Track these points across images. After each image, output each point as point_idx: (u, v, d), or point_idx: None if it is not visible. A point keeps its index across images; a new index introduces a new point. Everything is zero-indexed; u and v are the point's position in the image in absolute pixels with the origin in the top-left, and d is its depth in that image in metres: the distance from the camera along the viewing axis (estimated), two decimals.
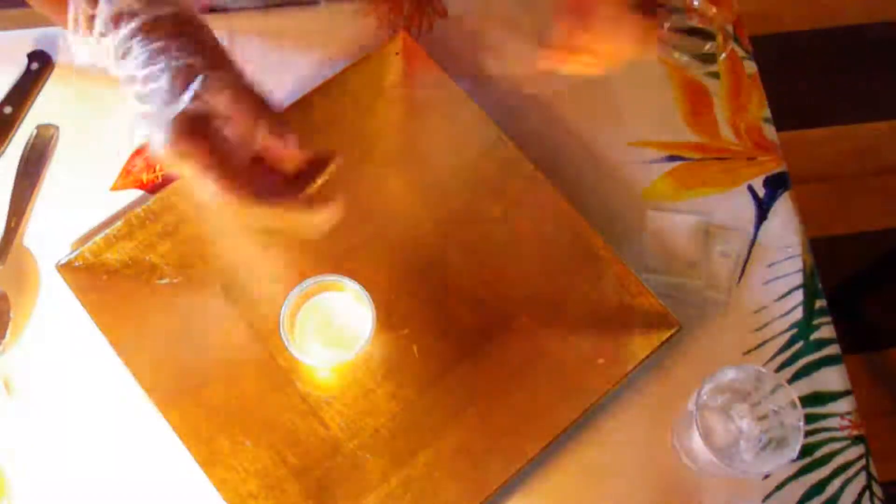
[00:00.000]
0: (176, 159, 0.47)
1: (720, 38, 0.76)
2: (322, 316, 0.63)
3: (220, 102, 0.49)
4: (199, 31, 0.51)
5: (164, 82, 0.48)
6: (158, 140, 0.47)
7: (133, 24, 0.49)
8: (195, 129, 0.47)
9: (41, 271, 0.67)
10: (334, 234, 0.60)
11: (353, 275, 0.61)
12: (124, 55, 0.50)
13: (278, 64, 0.74)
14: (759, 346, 0.66)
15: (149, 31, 0.49)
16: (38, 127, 0.71)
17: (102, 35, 0.50)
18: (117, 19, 0.49)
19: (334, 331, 0.62)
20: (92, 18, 0.50)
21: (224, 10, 0.75)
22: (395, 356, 0.63)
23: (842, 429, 0.65)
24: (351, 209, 0.65)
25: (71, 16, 0.50)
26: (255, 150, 0.51)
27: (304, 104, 0.69)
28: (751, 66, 0.76)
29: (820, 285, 0.69)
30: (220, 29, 0.73)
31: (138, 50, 0.49)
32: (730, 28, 0.77)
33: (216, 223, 0.65)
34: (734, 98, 0.75)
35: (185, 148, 0.47)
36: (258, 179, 0.49)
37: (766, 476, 0.63)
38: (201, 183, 0.48)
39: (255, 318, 0.64)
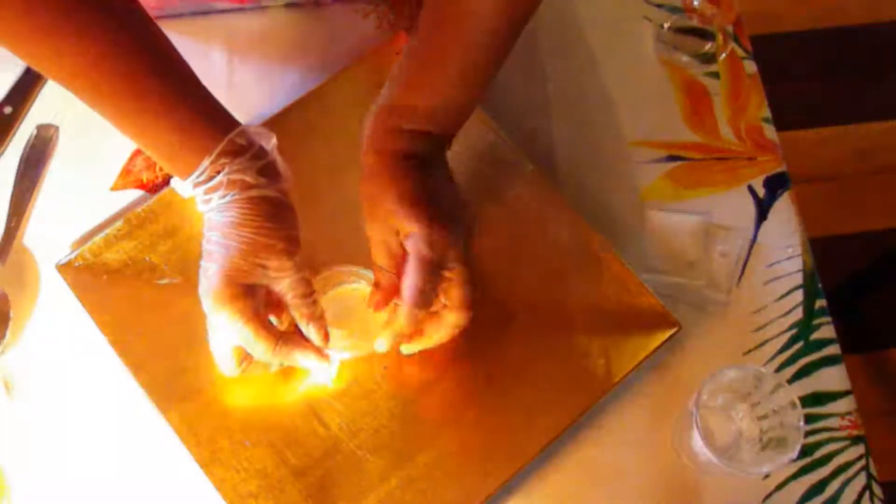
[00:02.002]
0: (215, 308, 0.54)
1: (720, 38, 0.76)
2: (340, 308, 0.62)
3: (281, 286, 0.56)
4: (290, 214, 0.56)
5: (232, 252, 0.54)
6: (205, 286, 0.54)
7: (240, 196, 0.54)
8: (238, 292, 0.54)
9: (41, 271, 0.67)
10: (335, 234, 0.60)
11: None
12: (218, 210, 0.54)
13: (278, 64, 0.74)
14: (759, 346, 0.66)
15: (248, 204, 0.54)
16: (38, 127, 0.71)
17: (208, 192, 0.54)
18: (231, 185, 0.53)
19: (352, 323, 0.62)
20: (209, 180, 0.53)
21: (223, 10, 0.75)
22: (395, 356, 0.63)
23: (842, 429, 0.65)
24: (351, 209, 0.65)
25: (193, 177, 0.53)
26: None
27: (304, 104, 0.69)
28: (751, 66, 0.76)
29: (820, 285, 0.69)
30: (221, 30, 0.74)
31: (228, 213, 0.54)
32: (730, 28, 0.77)
33: None
34: (734, 98, 0.75)
35: (226, 301, 0.54)
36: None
37: (766, 476, 0.63)
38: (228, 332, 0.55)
39: None
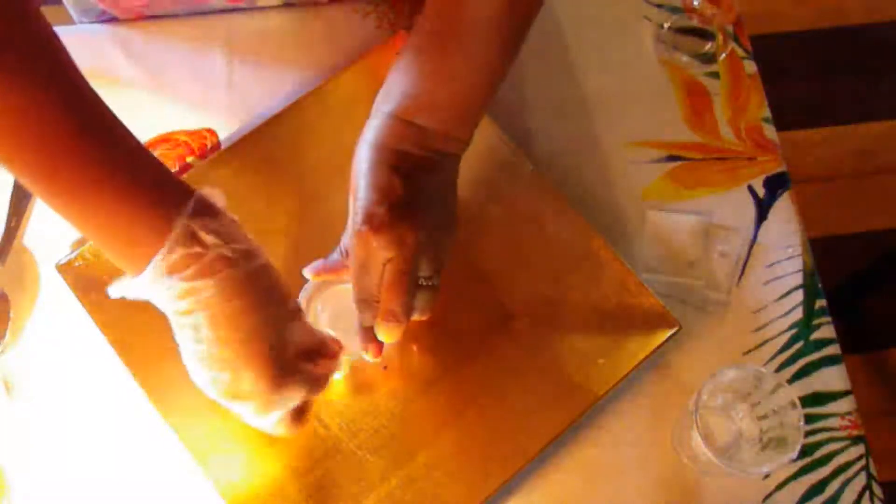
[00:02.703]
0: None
1: (720, 38, 0.76)
2: (337, 307, 0.62)
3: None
4: (277, 283, 0.50)
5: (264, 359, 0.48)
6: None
7: (224, 272, 0.46)
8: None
9: (41, 271, 0.67)
10: (334, 234, 0.60)
11: None
12: (184, 296, 0.46)
13: (278, 64, 0.74)
14: (759, 346, 0.66)
15: (233, 277, 0.46)
16: None
17: (187, 280, 0.45)
18: (210, 268, 0.45)
19: (350, 322, 0.62)
20: (185, 265, 0.45)
21: (223, 10, 0.75)
22: (395, 356, 0.63)
23: (842, 429, 0.65)
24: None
25: (159, 258, 0.45)
26: None
27: (304, 104, 0.69)
28: (751, 66, 0.76)
29: (820, 285, 0.69)
30: (221, 30, 0.74)
31: (220, 299, 0.46)
32: (730, 28, 0.77)
33: None
34: (734, 98, 0.75)
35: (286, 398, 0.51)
36: None
37: (766, 476, 0.63)
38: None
39: None
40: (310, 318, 0.61)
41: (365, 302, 0.56)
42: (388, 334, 0.56)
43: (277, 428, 0.54)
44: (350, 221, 0.55)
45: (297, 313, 0.52)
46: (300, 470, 0.60)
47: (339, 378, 0.62)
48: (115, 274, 0.64)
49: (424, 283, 0.56)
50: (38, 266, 0.67)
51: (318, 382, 0.53)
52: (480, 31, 0.55)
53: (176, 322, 0.48)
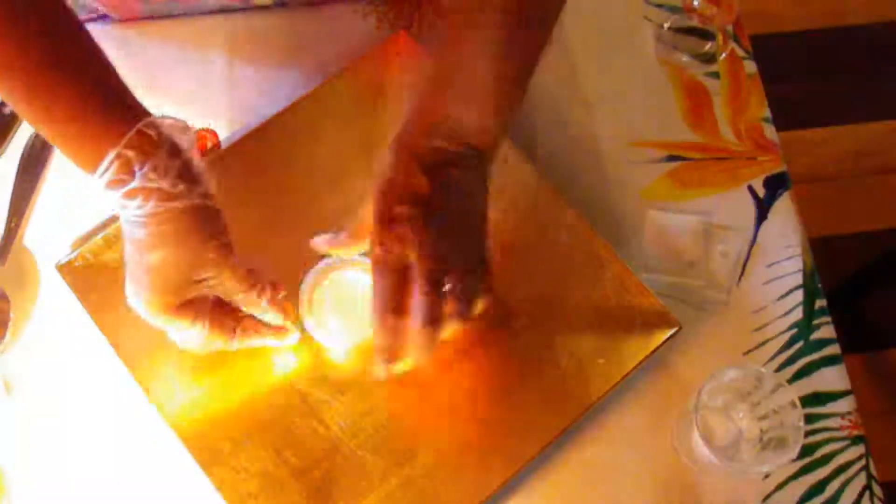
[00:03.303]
0: (156, 320, 0.54)
1: (720, 38, 0.76)
2: (336, 295, 0.62)
3: (223, 291, 0.55)
4: (216, 219, 0.52)
5: (161, 275, 0.51)
6: (138, 301, 0.53)
7: (159, 207, 0.49)
8: (175, 305, 0.53)
9: (41, 271, 0.67)
10: (336, 230, 0.60)
11: None
12: (137, 223, 0.50)
13: (278, 64, 0.74)
14: (759, 346, 0.66)
15: (170, 219, 0.50)
16: None
17: (124, 198, 0.49)
18: (148, 195, 0.48)
19: (349, 310, 0.62)
20: (119, 183, 0.48)
21: (222, 10, 0.75)
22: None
23: (842, 429, 0.65)
24: (351, 208, 0.65)
25: (98, 174, 0.48)
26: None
27: (304, 104, 0.69)
28: (751, 66, 0.76)
29: (820, 285, 0.69)
30: (220, 30, 0.74)
31: (149, 229, 0.50)
32: (730, 28, 0.77)
33: None
34: (734, 98, 0.75)
35: (166, 315, 0.53)
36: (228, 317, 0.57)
37: (766, 476, 0.63)
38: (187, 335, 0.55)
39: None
40: (313, 305, 0.62)
41: (386, 307, 0.51)
42: (415, 356, 0.52)
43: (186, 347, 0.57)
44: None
45: (224, 261, 0.53)
46: (300, 470, 0.60)
47: (294, 341, 0.61)
48: (115, 274, 0.64)
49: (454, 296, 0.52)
50: (38, 266, 0.67)
51: (210, 334, 0.55)
52: (516, 15, 0.53)
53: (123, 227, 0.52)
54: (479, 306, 0.54)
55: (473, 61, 0.53)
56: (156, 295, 0.52)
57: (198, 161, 0.51)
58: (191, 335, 0.55)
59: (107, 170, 0.48)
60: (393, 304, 0.51)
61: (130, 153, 0.47)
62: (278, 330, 0.59)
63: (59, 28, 0.49)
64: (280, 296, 0.58)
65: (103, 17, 0.74)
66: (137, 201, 0.48)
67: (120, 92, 0.50)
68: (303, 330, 0.61)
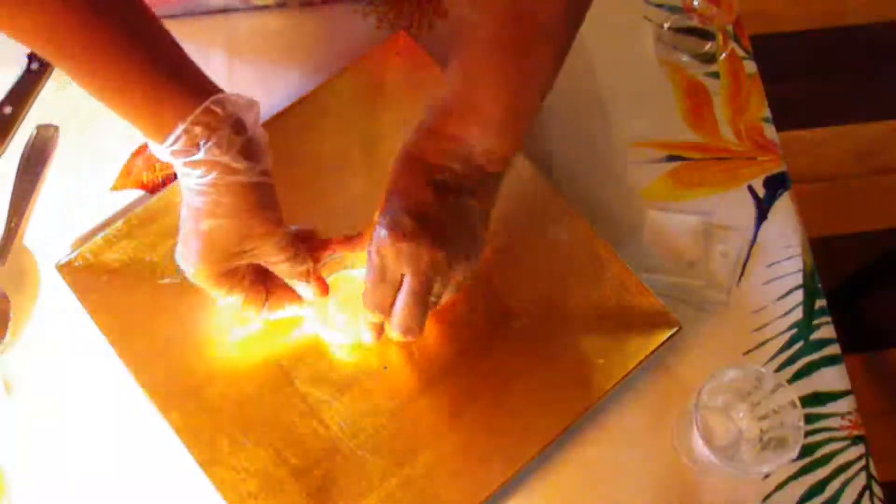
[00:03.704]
0: (200, 283, 0.56)
1: (720, 38, 0.76)
2: (341, 293, 0.62)
3: (268, 260, 0.56)
4: (271, 196, 0.55)
5: (213, 243, 0.54)
6: (187, 264, 0.55)
7: (220, 180, 0.52)
8: (222, 271, 0.55)
9: (41, 271, 0.67)
10: (336, 233, 0.60)
11: None
12: (197, 191, 0.52)
13: (278, 64, 0.74)
14: (759, 346, 0.66)
15: (229, 193, 0.52)
16: (38, 127, 0.71)
17: (187, 166, 0.52)
18: (211, 167, 0.51)
19: (353, 308, 0.62)
20: (184, 153, 0.51)
21: (223, 10, 0.75)
22: (395, 356, 0.63)
23: (842, 429, 0.65)
24: (352, 208, 0.65)
25: (167, 144, 0.51)
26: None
27: (303, 104, 0.69)
28: (751, 66, 0.76)
29: (820, 285, 0.69)
30: (221, 30, 0.74)
31: (209, 198, 0.52)
32: (730, 28, 0.77)
33: None
34: (734, 98, 0.75)
35: (212, 281, 0.55)
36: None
37: (766, 476, 0.63)
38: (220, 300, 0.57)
39: (255, 319, 0.64)
40: (318, 301, 0.62)
41: (375, 308, 0.56)
42: (398, 340, 0.57)
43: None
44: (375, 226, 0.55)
45: (270, 235, 0.55)
46: (300, 470, 0.60)
47: (345, 354, 0.62)
48: (115, 274, 0.64)
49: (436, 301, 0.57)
50: (38, 266, 0.67)
51: (245, 301, 0.58)
52: (536, 39, 0.53)
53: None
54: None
55: (492, 86, 0.54)
56: (203, 262, 0.54)
57: (260, 136, 0.54)
58: (227, 302, 0.58)
59: (174, 142, 0.50)
60: (380, 308, 0.55)
61: (197, 129, 0.50)
62: (300, 298, 0.61)
63: (133, 2, 0.51)
64: (327, 258, 0.60)
65: None
66: (200, 171, 0.51)
67: (188, 66, 0.52)
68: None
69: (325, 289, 0.60)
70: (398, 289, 0.55)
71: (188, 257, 0.55)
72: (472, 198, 0.55)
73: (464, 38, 0.55)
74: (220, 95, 0.51)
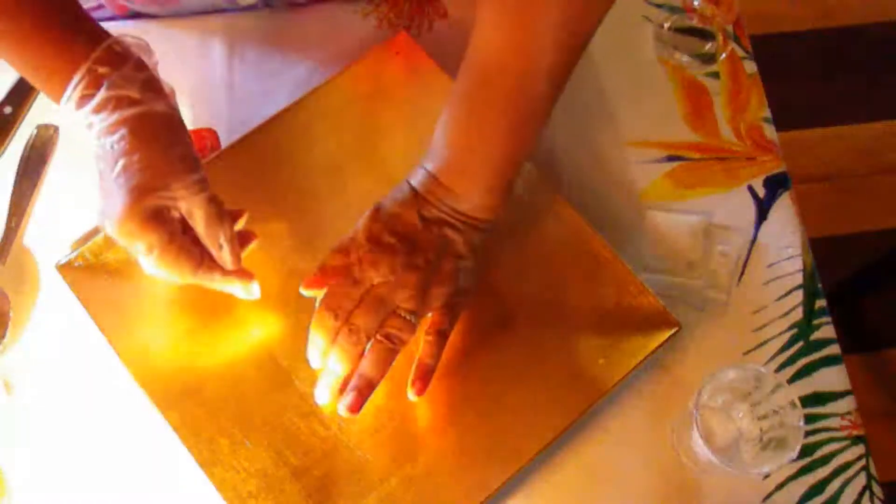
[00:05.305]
0: (123, 236, 0.53)
1: (720, 38, 0.76)
2: None
3: (187, 207, 0.54)
4: (182, 131, 0.55)
5: (129, 178, 0.52)
6: (109, 215, 0.53)
7: (127, 112, 0.52)
8: (146, 216, 0.53)
9: (41, 271, 0.67)
10: (334, 233, 0.60)
11: None
12: (105, 132, 0.52)
13: (278, 64, 0.74)
14: (759, 346, 0.66)
15: (138, 122, 0.52)
16: (38, 127, 0.71)
17: (93, 113, 0.52)
18: (116, 104, 0.51)
19: None
20: (87, 98, 0.51)
21: (222, 10, 0.75)
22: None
23: (842, 429, 0.65)
24: (350, 208, 0.65)
25: (68, 93, 0.51)
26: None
27: (304, 104, 0.69)
28: (751, 66, 0.76)
29: (820, 285, 0.69)
30: (220, 30, 0.74)
31: (117, 135, 0.52)
32: (730, 28, 0.77)
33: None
34: (734, 98, 0.75)
35: (135, 228, 0.53)
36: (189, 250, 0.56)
37: (766, 476, 0.63)
38: (143, 258, 0.55)
39: (256, 319, 0.64)
40: (316, 304, 0.62)
41: (332, 312, 0.56)
42: (347, 407, 0.57)
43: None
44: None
45: (189, 174, 0.54)
46: (300, 470, 0.60)
47: (257, 294, 0.61)
48: (115, 274, 0.64)
49: (403, 315, 0.57)
50: (38, 266, 0.67)
51: (175, 259, 0.55)
52: (514, 98, 0.56)
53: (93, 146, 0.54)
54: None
55: (479, 151, 0.57)
56: (125, 205, 0.52)
57: (161, 80, 0.55)
58: (156, 258, 0.54)
59: (77, 85, 0.50)
60: (339, 308, 0.56)
61: (101, 69, 0.51)
62: (241, 275, 0.59)
63: None
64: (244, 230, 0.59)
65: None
66: (106, 113, 0.51)
67: (83, 15, 0.53)
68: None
69: (237, 260, 0.58)
70: (361, 296, 0.56)
71: (110, 207, 0.53)
72: (457, 234, 0.58)
73: (456, 87, 0.58)
74: (117, 37, 0.52)
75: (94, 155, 0.53)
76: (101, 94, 0.51)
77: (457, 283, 0.58)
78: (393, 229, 0.57)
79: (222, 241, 0.56)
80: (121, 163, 0.52)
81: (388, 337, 0.57)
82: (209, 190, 0.55)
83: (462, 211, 0.58)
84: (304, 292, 0.59)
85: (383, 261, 0.56)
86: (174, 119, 0.54)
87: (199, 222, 0.55)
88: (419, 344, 0.59)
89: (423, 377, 0.58)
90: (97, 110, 0.51)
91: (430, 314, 0.59)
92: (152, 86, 0.53)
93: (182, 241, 0.55)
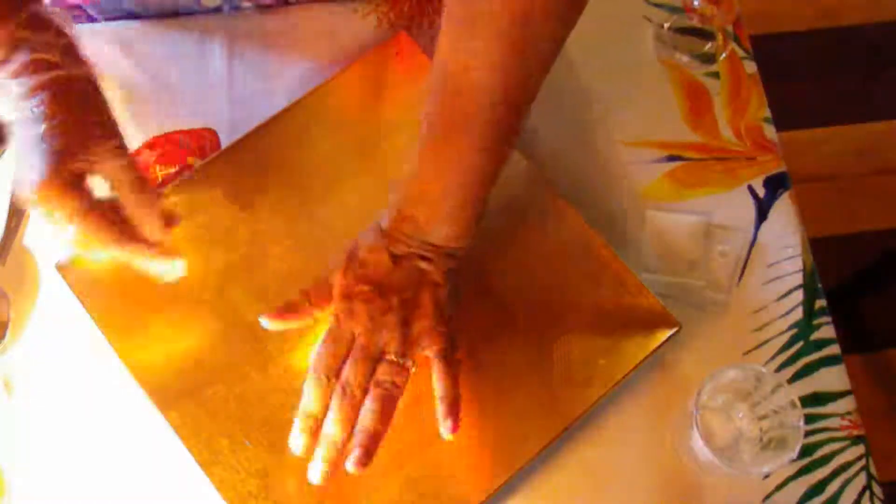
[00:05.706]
0: (44, 202, 0.51)
1: (720, 38, 0.76)
2: None
3: (107, 173, 0.53)
4: (100, 98, 0.54)
5: (48, 142, 0.50)
6: (29, 181, 0.50)
7: (47, 76, 0.51)
8: (67, 182, 0.51)
9: (41, 271, 0.67)
10: (333, 234, 0.60)
11: None
12: (24, 97, 0.51)
13: (278, 65, 0.74)
14: (759, 346, 0.66)
15: (56, 86, 0.51)
16: None
17: (13, 77, 0.51)
18: (35, 67, 0.51)
19: None
20: (6, 62, 0.51)
21: (221, 10, 0.75)
22: None
23: (842, 429, 0.65)
24: (350, 209, 0.65)
25: None
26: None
27: (303, 104, 0.69)
28: (751, 66, 0.76)
29: (820, 285, 0.69)
30: (220, 30, 0.74)
31: (36, 99, 0.51)
32: (730, 28, 0.77)
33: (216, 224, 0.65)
34: (734, 98, 0.75)
35: (55, 194, 0.50)
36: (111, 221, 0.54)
37: (766, 476, 0.63)
38: (62, 228, 0.52)
39: (256, 318, 0.64)
40: None
41: (324, 372, 0.56)
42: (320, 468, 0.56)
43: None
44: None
45: (108, 139, 0.53)
46: (301, 470, 0.59)
47: (179, 275, 0.60)
48: (115, 274, 0.64)
49: (392, 359, 0.57)
50: (38, 266, 0.67)
51: (96, 228, 0.52)
52: (470, 123, 0.55)
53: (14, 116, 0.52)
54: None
55: (443, 170, 0.57)
56: (47, 168, 0.50)
57: (82, 49, 0.54)
58: (76, 226, 0.52)
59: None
60: (327, 369, 0.56)
61: (24, 32, 0.50)
62: (165, 250, 0.57)
63: None
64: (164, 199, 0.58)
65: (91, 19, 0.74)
66: (26, 77, 0.50)
67: None
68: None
69: (162, 230, 0.56)
70: (349, 350, 0.57)
71: (27, 172, 0.51)
72: (429, 265, 0.58)
73: (423, 114, 0.57)
74: (38, 5, 0.52)
75: (15, 124, 0.52)
76: (22, 56, 0.50)
77: (440, 311, 0.58)
78: (364, 277, 0.57)
79: (140, 208, 0.55)
80: (42, 127, 0.50)
81: (381, 385, 0.56)
82: (127, 154, 0.54)
83: (431, 242, 0.58)
84: (264, 323, 0.59)
85: (359, 311, 0.56)
86: (93, 85, 0.54)
87: (124, 186, 0.54)
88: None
89: (451, 410, 0.57)
90: (17, 74, 0.51)
91: (425, 350, 0.58)
92: (72, 52, 0.53)
93: (102, 208, 0.53)
